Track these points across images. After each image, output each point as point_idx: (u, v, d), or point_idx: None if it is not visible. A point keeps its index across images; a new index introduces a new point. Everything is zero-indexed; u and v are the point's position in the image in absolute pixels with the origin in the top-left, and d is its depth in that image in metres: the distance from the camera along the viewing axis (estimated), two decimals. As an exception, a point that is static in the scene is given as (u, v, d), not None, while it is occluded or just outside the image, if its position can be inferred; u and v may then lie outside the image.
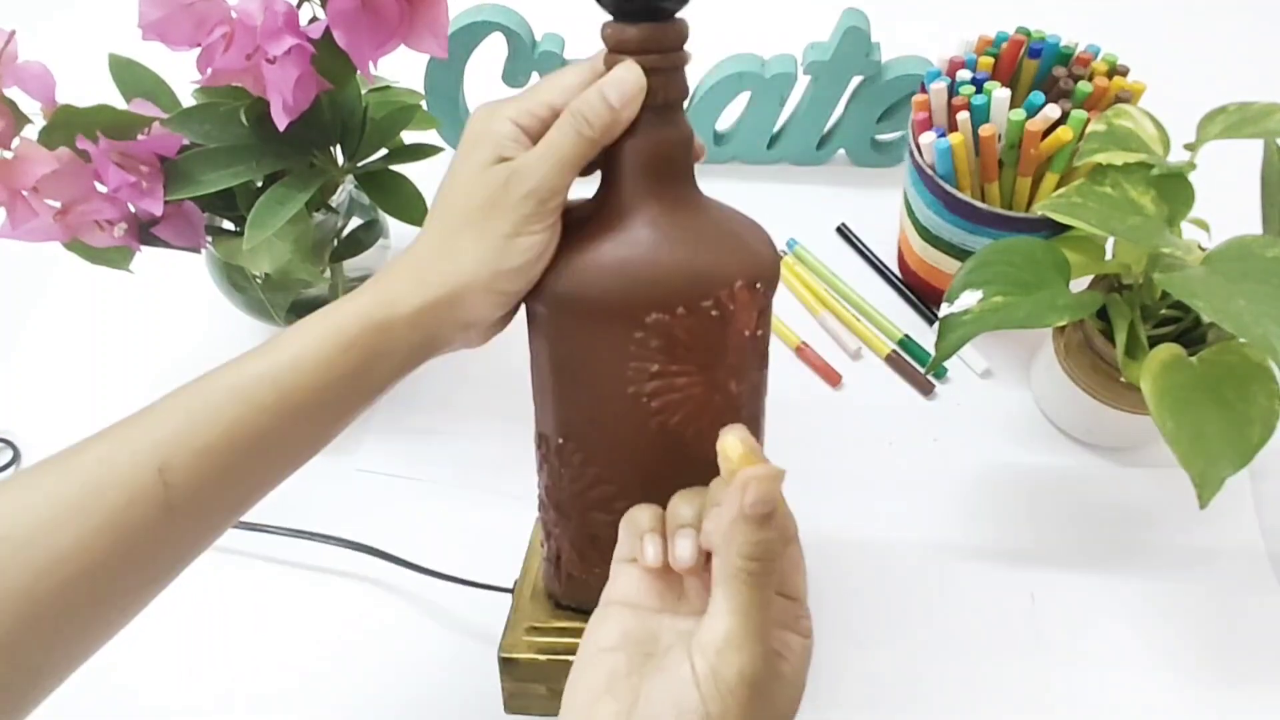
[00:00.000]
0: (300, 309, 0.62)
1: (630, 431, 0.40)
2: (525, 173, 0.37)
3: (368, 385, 0.39)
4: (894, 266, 0.74)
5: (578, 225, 0.39)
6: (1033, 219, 0.60)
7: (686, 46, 0.38)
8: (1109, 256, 0.59)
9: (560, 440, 0.42)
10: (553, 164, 0.37)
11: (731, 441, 0.35)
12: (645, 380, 0.39)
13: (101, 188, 0.51)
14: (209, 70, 0.50)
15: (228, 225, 0.59)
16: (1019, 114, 0.59)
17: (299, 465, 0.39)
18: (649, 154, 0.38)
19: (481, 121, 0.39)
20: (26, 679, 0.35)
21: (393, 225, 0.66)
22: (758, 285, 0.39)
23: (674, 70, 0.38)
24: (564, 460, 0.42)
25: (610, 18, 0.38)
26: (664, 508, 0.39)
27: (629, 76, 0.37)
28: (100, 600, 0.35)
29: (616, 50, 0.38)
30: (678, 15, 0.38)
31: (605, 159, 0.39)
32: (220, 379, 0.37)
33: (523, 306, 0.41)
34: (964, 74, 0.63)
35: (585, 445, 0.41)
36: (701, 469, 0.40)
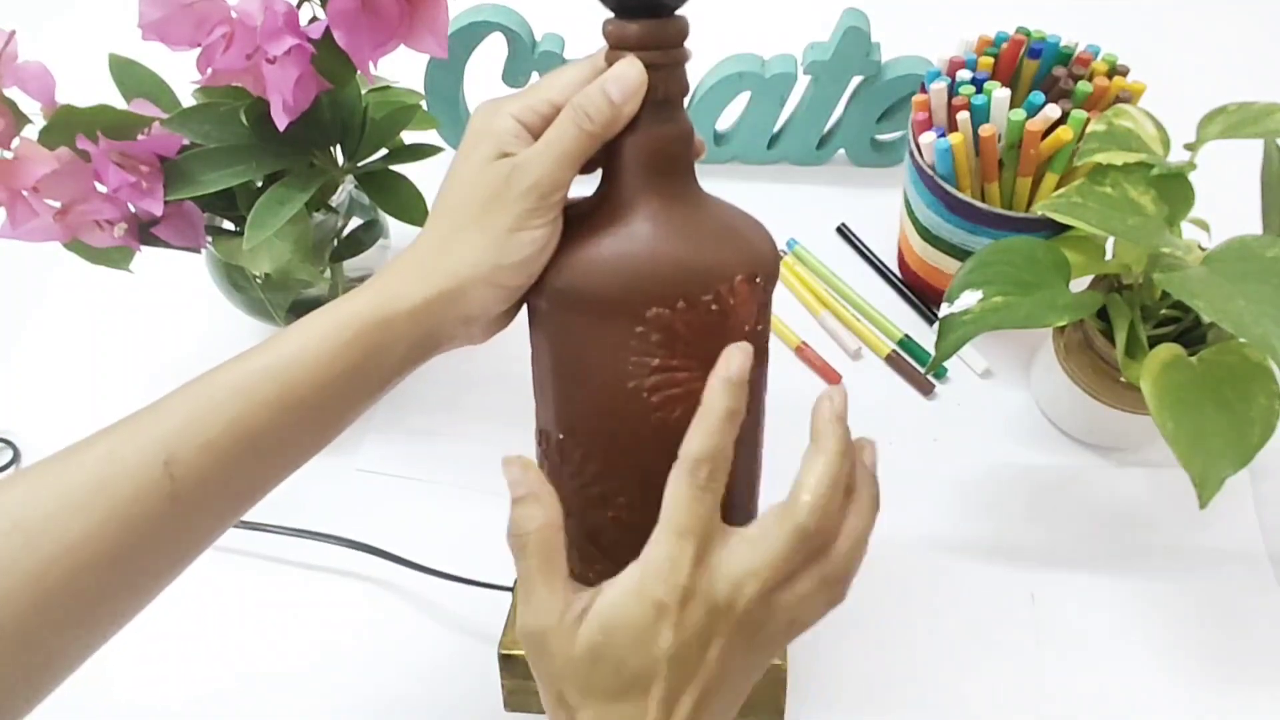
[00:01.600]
0: (300, 309, 0.61)
1: (631, 426, 0.40)
2: (527, 167, 0.37)
3: (370, 381, 0.39)
4: (894, 266, 0.74)
5: (578, 220, 0.39)
6: (1033, 219, 0.60)
7: (686, 44, 0.39)
8: (1109, 256, 0.59)
9: (560, 436, 0.42)
10: (554, 158, 0.37)
11: None
12: (646, 375, 0.39)
13: (101, 188, 0.51)
14: (209, 70, 0.50)
15: (228, 225, 0.59)
16: (1019, 114, 0.59)
17: (303, 460, 0.39)
18: (649, 149, 0.38)
19: (483, 118, 0.39)
20: (37, 666, 0.35)
21: (393, 225, 0.66)
22: (757, 279, 0.39)
23: (674, 66, 0.38)
24: (564, 456, 0.42)
25: (611, 14, 0.38)
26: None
27: (630, 72, 0.37)
28: (108, 589, 0.36)
29: (617, 46, 0.38)
30: (678, 11, 0.38)
31: (606, 155, 0.39)
32: (223, 375, 0.38)
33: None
34: (964, 74, 0.63)
35: (586, 440, 0.41)
36: None
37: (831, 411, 0.39)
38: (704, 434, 0.36)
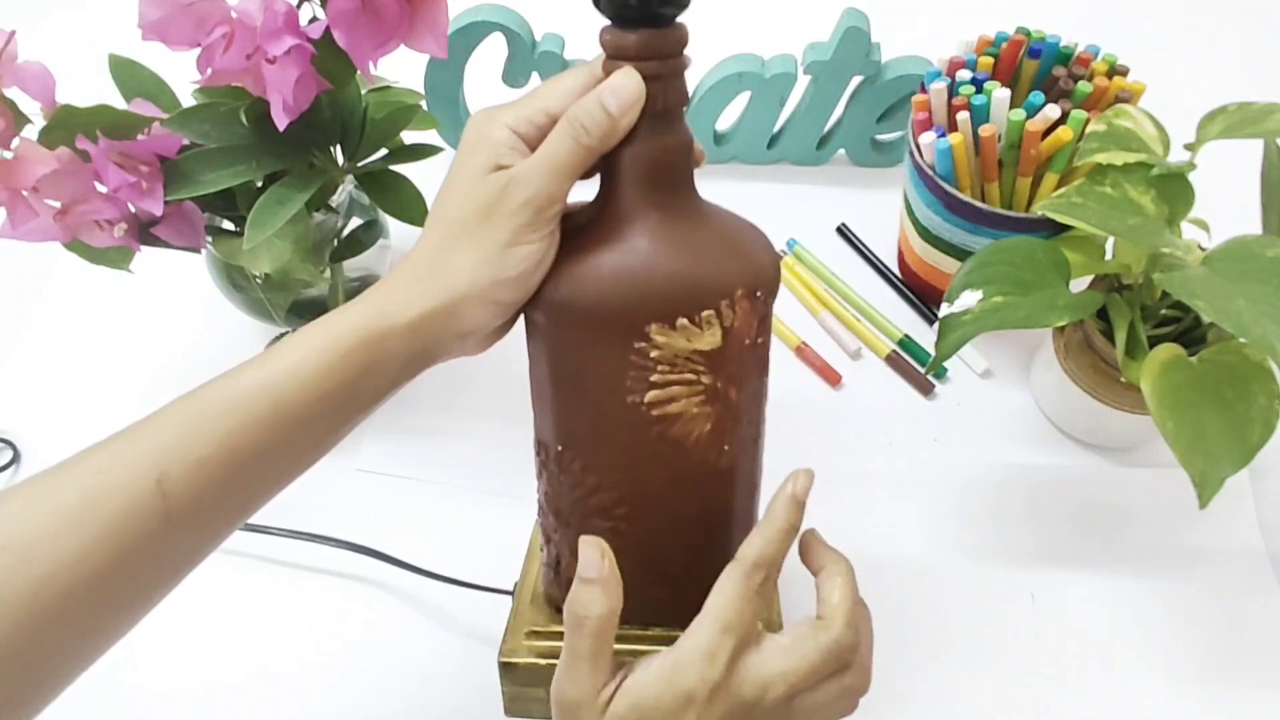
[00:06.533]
0: (300, 309, 0.62)
1: (630, 440, 0.40)
2: (522, 181, 0.37)
3: (364, 395, 0.39)
4: (894, 266, 0.74)
5: (576, 233, 0.39)
6: (1033, 219, 0.60)
7: (686, 51, 0.38)
8: (1109, 256, 0.59)
9: (559, 448, 0.41)
10: (550, 172, 0.37)
11: None
12: (645, 390, 0.39)
13: (101, 188, 0.50)
14: (209, 70, 0.50)
15: (228, 225, 0.59)
16: (1019, 114, 0.59)
17: (297, 475, 0.39)
18: (648, 161, 0.38)
19: (478, 128, 0.38)
20: (31, 682, 0.35)
21: (393, 225, 0.66)
22: (758, 294, 0.39)
23: (674, 76, 0.37)
24: (563, 467, 0.42)
25: (609, 23, 0.37)
26: (663, 515, 0.39)
27: (628, 83, 0.36)
28: (101, 607, 0.35)
29: (615, 56, 0.37)
30: (677, 20, 0.37)
31: (604, 165, 0.39)
32: (217, 390, 0.37)
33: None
34: (964, 74, 0.62)
35: (585, 453, 0.41)
36: (701, 477, 0.40)
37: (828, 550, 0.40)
38: (764, 542, 0.38)
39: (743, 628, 0.37)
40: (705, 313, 0.38)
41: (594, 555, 0.37)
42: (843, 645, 0.38)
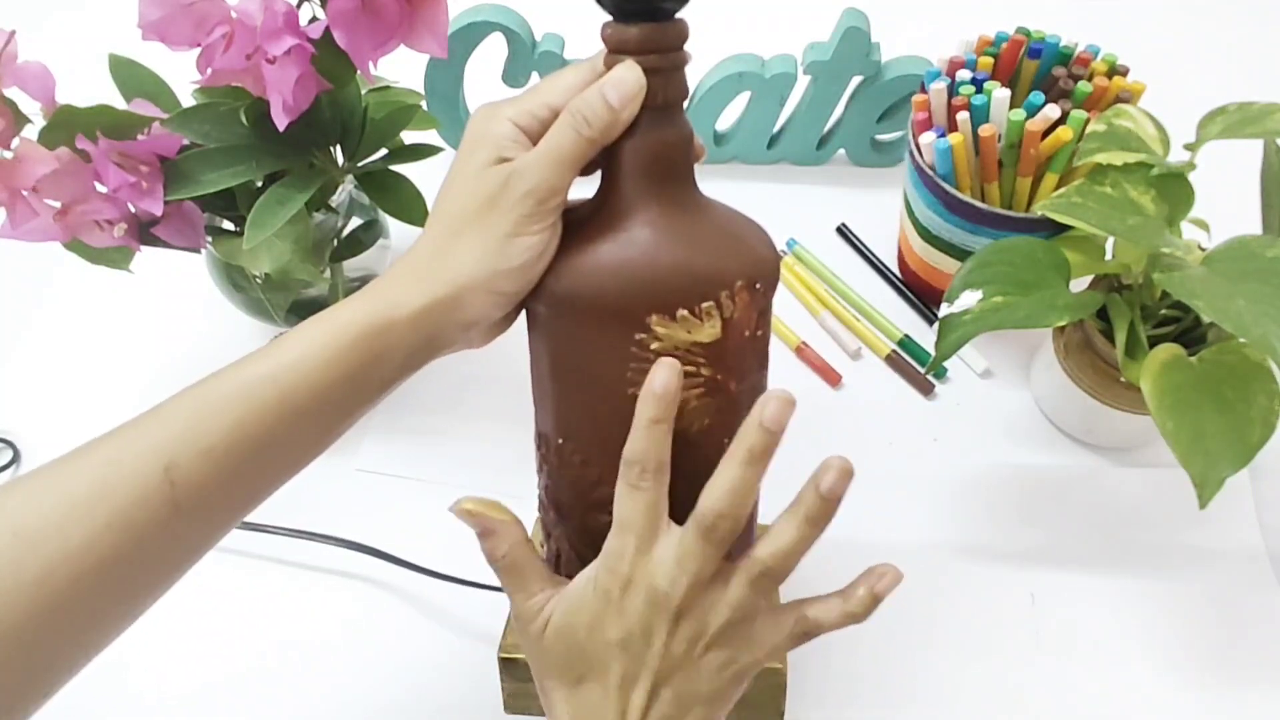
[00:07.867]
0: (300, 309, 0.62)
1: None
2: (524, 172, 0.37)
3: (370, 386, 0.39)
4: (894, 266, 0.74)
5: (578, 225, 0.39)
6: (1033, 219, 0.60)
7: (686, 47, 0.38)
8: (1109, 256, 0.59)
9: (560, 440, 0.42)
10: (552, 164, 0.37)
11: None
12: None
13: (101, 188, 0.51)
14: (209, 70, 0.50)
15: (228, 225, 0.59)
16: (1019, 114, 0.59)
17: (303, 466, 0.39)
18: (648, 154, 0.38)
19: (481, 123, 0.39)
20: (37, 670, 0.35)
21: (393, 225, 0.66)
22: (758, 286, 0.39)
23: (674, 70, 0.38)
24: (564, 460, 0.42)
25: (610, 18, 0.38)
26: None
27: (629, 76, 0.37)
28: (109, 596, 0.36)
29: (616, 50, 0.38)
30: (678, 15, 0.38)
31: (605, 159, 0.39)
32: (224, 381, 0.38)
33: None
34: (964, 74, 0.63)
35: (585, 445, 0.41)
36: (702, 469, 0.40)
37: (755, 417, 0.38)
38: (631, 439, 0.39)
39: (635, 523, 0.39)
40: (705, 304, 0.38)
41: (469, 518, 0.41)
42: (705, 526, 0.38)
